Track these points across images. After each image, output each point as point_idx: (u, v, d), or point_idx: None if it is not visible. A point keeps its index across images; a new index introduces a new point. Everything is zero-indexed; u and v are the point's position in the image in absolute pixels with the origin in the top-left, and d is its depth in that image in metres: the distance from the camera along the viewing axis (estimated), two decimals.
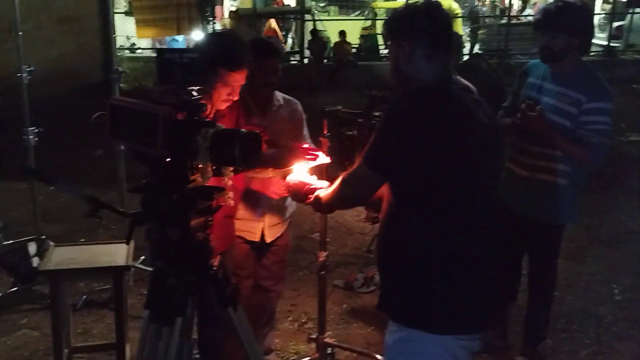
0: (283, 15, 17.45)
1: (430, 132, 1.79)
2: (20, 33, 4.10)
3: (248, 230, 2.97)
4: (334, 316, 3.93)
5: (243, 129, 1.88)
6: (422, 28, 1.90)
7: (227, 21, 15.73)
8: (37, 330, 3.70)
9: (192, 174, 1.92)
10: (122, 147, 4.02)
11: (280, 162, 2.57)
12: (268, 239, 3.04)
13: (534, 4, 18.43)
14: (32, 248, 4.08)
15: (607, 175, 6.18)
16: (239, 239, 2.94)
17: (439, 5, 1.96)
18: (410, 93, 1.92)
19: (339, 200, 2.11)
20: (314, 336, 3.18)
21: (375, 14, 18.44)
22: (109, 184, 4.81)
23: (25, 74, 4.08)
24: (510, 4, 16.98)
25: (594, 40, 3.10)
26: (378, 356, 3.13)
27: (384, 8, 18.67)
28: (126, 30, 11.83)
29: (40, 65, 4.95)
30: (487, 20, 19.16)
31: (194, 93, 1.89)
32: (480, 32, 17.07)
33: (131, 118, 1.85)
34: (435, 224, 1.87)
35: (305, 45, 14.41)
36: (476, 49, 16.12)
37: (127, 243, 2.83)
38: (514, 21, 16.74)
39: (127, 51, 13.78)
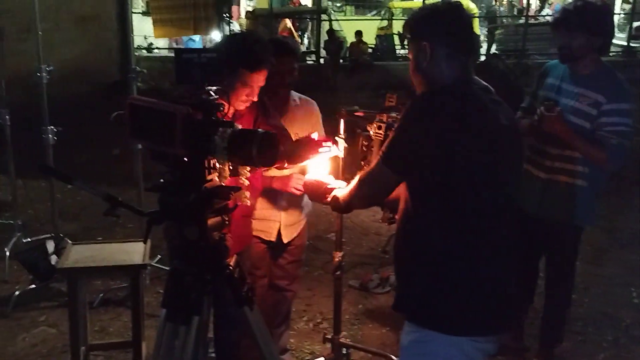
0: (299, 15, 17.45)
1: (448, 131, 1.79)
2: (40, 33, 4.14)
3: (264, 229, 2.98)
4: (349, 316, 3.93)
5: (260, 129, 1.88)
6: (442, 28, 1.90)
7: (243, 21, 15.78)
8: (54, 327, 3.74)
9: (210, 173, 1.93)
10: (140, 146, 4.05)
11: (294, 155, 2.57)
12: (285, 239, 3.04)
13: (551, 3, 18.25)
14: (50, 246, 4.12)
15: (626, 177, 6.11)
16: (256, 239, 2.95)
17: (460, 5, 1.95)
18: (429, 92, 1.92)
19: (357, 199, 2.10)
20: (329, 336, 3.17)
21: (392, 14, 18.37)
22: (126, 183, 4.85)
23: (44, 74, 4.12)
24: (528, 4, 16.83)
25: (614, 41, 3.06)
26: (393, 357, 3.12)
27: (400, 8, 18.61)
28: (144, 30, 11.89)
29: (59, 64, 5.00)
30: (504, 20, 19.02)
31: (212, 93, 1.90)
32: (497, 32, 16.94)
33: (150, 117, 1.87)
34: (451, 224, 1.86)
35: (322, 45, 14.41)
36: (493, 49, 16.00)
37: (145, 242, 2.85)
38: (531, 21, 16.58)
39: (145, 51, 13.86)
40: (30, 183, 5.36)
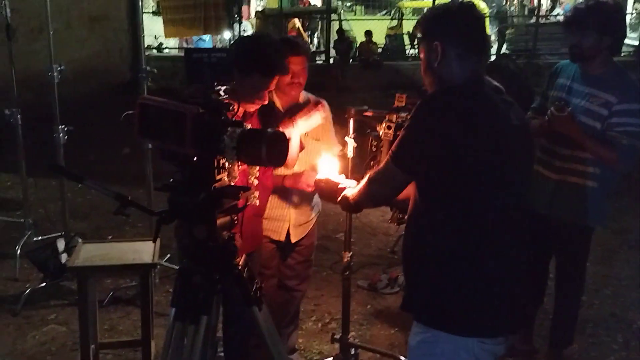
0: (309, 14, 17.46)
1: (457, 131, 1.78)
2: (51, 33, 4.17)
3: (274, 229, 2.98)
4: (357, 317, 3.92)
5: (270, 129, 1.89)
6: (454, 29, 1.89)
7: (254, 21, 15.82)
8: (64, 325, 3.76)
9: (219, 173, 1.93)
10: (150, 146, 4.07)
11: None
12: (294, 239, 3.04)
13: (561, 3, 18.16)
14: (61, 244, 4.14)
15: (638, 177, 6.06)
16: (265, 238, 2.95)
17: (473, 6, 1.94)
18: (438, 92, 1.91)
19: (366, 198, 2.11)
20: (337, 336, 3.17)
21: (402, 14, 18.33)
22: (136, 182, 4.86)
23: (55, 73, 4.15)
24: (539, 4, 16.74)
25: (625, 41, 3.04)
26: (402, 357, 3.11)
27: (410, 7, 18.57)
28: (154, 30, 11.94)
29: (70, 64, 5.03)
30: (515, 20, 18.94)
31: (222, 93, 1.90)
32: (507, 32, 16.87)
33: (160, 117, 1.88)
34: (460, 224, 1.86)
35: (331, 45, 14.41)
36: (503, 49, 15.93)
37: (154, 241, 2.85)
38: (542, 21, 16.50)
39: (155, 50, 13.91)
40: (41, 182, 5.40)
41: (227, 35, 10.41)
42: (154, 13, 13.40)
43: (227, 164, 1.97)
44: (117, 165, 6.82)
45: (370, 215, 5.32)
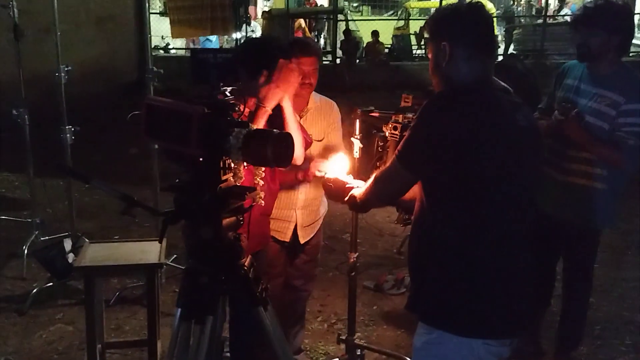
0: (316, 15, 17.47)
1: (463, 131, 1.78)
2: (58, 33, 4.18)
3: (278, 230, 2.98)
4: (363, 317, 3.92)
5: (275, 130, 1.88)
6: (462, 29, 1.89)
7: (260, 21, 15.84)
8: (71, 325, 3.77)
9: (225, 173, 1.93)
10: (157, 146, 4.07)
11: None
12: (302, 240, 3.05)
13: (567, 3, 18.09)
14: (68, 244, 4.15)
15: None
16: (270, 238, 2.95)
17: (482, 6, 1.94)
18: (446, 92, 1.91)
19: (372, 198, 2.11)
20: (343, 337, 3.17)
21: (409, 14, 18.32)
22: (143, 182, 4.87)
23: (62, 74, 4.16)
24: (547, 4, 16.68)
25: (634, 41, 3.03)
26: (407, 358, 3.11)
27: (417, 8, 18.55)
28: (161, 30, 11.97)
29: (77, 64, 5.05)
30: (522, 20, 18.89)
31: (228, 93, 1.90)
32: (515, 32, 16.82)
33: (166, 117, 1.88)
34: (466, 225, 1.85)
35: (338, 45, 14.41)
36: (511, 49, 15.89)
37: (160, 242, 2.86)
38: (550, 21, 16.44)
39: (162, 51, 13.95)
40: (49, 182, 5.41)
41: (236, 35, 10.43)
42: (161, 14, 13.42)
43: (232, 165, 1.97)
44: (124, 165, 6.85)
45: (376, 216, 5.31)
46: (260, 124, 2.35)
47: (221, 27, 6.38)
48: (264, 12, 16.38)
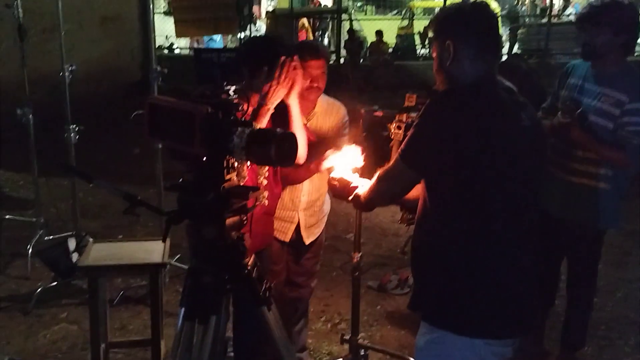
0: (320, 15, 17.47)
1: (465, 130, 1.77)
2: (63, 33, 4.19)
3: (280, 229, 2.98)
4: (367, 317, 3.92)
5: (279, 129, 1.88)
6: (467, 28, 1.89)
7: (264, 21, 15.85)
8: (75, 324, 3.78)
9: (228, 172, 1.93)
10: (160, 146, 4.08)
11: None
12: (307, 240, 3.05)
13: (571, 2, 18.05)
14: (72, 244, 4.15)
15: None
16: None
17: (486, 5, 1.93)
18: (449, 91, 1.91)
19: (375, 196, 2.10)
20: (347, 337, 3.17)
21: (413, 14, 18.30)
22: (147, 182, 4.88)
23: (67, 74, 4.17)
24: (551, 3, 16.65)
25: (639, 41, 3.02)
26: (411, 358, 3.10)
27: (421, 7, 18.53)
28: (165, 30, 12.00)
29: (82, 64, 5.05)
30: (526, 19, 18.85)
31: (231, 93, 1.90)
32: (519, 31, 16.79)
33: (169, 117, 1.88)
34: (469, 224, 1.85)
35: (342, 45, 14.41)
36: (515, 48, 15.87)
37: (164, 241, 2.86)
38: (554, 21, 16.40)
39: (166, 50, 13.98)
40: (53, 181, 5.42)
41: (238, 35, 10.45)
42: (165, 13, 13.45)
43: (236, 164, 1.97)
44: (128, 164, 6.86)
45: (380, 216, 5.30)
46: (263, 122, 2.35)
47: (225, 27, 6.37)
48: (267, 11, 16.41)
